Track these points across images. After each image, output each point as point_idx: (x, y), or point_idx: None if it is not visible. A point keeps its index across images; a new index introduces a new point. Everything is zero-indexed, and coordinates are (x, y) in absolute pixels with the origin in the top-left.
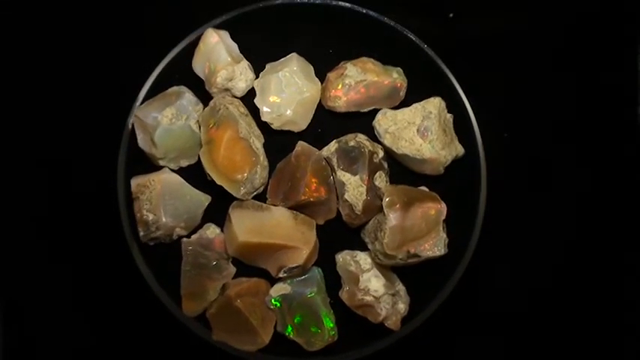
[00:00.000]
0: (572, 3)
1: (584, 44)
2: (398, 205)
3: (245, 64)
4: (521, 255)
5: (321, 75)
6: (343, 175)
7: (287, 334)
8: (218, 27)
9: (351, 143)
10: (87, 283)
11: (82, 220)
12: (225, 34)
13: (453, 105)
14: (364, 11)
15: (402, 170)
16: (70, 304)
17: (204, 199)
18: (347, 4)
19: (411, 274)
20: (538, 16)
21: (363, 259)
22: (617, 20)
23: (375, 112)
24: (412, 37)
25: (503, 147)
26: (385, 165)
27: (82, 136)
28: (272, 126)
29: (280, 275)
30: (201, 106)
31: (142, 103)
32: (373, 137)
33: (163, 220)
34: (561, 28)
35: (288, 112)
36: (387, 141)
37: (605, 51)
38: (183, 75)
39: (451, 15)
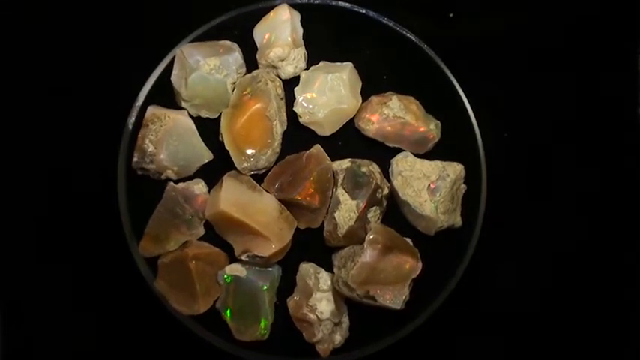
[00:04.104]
0: (572, 3)
1: (584, 44)
2: (379, 246)
3: (302, 51)
4: (522, 255)
5: (365, 94)
6: (342, 195)
7: (224, 314)
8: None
9: (363, 169)
10: (87, 283)
11: (82, 220)
12: (296, 16)
13: (452, 104)
14: (364, 11)
15: (397, 215)
16: (69, 304)
17: (207, 156)
18: (347, 4)
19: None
20: (538, 16)
21: (324, 278)
22: (617, 20)
23: (397, 150)
24: (412, 37)
25: (503, 147)
26: (384, 203)
27: (83, 136)
28: (300, 119)
29: (242, 257)
30: (244, 70)
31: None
32: (385, 173)
33: (161, 156)
34: (561, 28)
35: (321, 113)
36: (397, 183)
37: (605, 51)
38: (242, 34)
39: (451, 15)
